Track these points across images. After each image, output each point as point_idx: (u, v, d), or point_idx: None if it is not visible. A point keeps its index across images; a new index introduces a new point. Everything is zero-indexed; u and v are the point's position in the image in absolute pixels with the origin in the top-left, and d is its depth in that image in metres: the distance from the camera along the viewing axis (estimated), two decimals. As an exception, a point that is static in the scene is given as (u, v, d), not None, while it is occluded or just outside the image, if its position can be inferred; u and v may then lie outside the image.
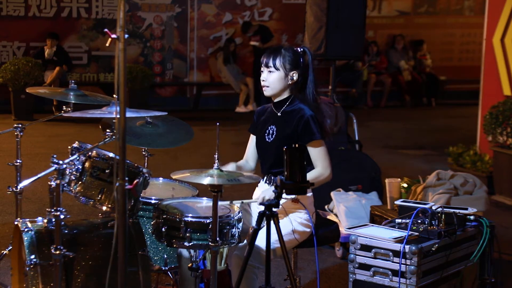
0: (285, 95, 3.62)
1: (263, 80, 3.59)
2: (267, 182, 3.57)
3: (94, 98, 3.94)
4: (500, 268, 4.20)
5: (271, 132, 3.62)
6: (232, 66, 13.28)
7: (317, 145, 3.50)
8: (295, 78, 3.57)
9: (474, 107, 8.04)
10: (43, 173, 3.12)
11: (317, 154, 3.50)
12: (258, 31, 13.32)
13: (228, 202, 3.47)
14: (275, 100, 3.65)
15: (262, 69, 3.60)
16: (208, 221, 3.15)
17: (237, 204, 3.46)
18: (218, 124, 3.28)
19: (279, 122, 3.61)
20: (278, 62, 3.54)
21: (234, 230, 3.24)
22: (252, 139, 3.79)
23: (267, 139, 3.63)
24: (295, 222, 3.52)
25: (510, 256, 4.85)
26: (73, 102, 3.92)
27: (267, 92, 3.61)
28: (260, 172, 3.70)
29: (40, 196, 6.31)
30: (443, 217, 3.58)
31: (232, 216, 3.25)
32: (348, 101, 13.55)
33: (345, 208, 5.08)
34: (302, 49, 3.62)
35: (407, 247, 3.36)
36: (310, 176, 3.39)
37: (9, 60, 11.73)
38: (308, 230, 3.55)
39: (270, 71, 3.56)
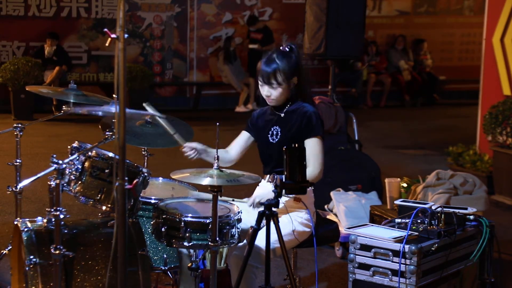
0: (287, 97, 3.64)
1: (267, 96, 3.58)
2: (270, 181, 3.58)
3: (94, 98, 3.94)
4: (500, 268, 4.20)
5: (275, 133, 3.62)
6: (233, 65, 13.26)
7: (315, 141, 3.51)
8: (295, 82, 3.60)
9: (474, 107, 8.04)
10: (43, 173, 3.12)
11: (312, 150, 3.50)
12: (262, 30, 13.31)
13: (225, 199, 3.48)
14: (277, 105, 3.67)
15: (261, 82, 3.58)
16: (207, 221, 3.15)
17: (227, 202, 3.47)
18: (218, 124, 3.28)
19: (283, 122, 3.62)
20: (280, 78, 3.53)
21: (233, 230, 3.25)
22: (243, 135, 3.79)
23: (271, 140, 3.63)
24: (295, 222, 3.52)
25: (510, 256, 4.85)
26: (72, 101, 3.92)
27: (272, 103, 3.62)
28: (260, 173, 3.69)
29: (39, 196, 6.30)
30: (442, 217, 3.58)
31: (231, 216, 3.25)
32: (348, 101, 13.54)
33: (345, 208, 5.08)
34: (289, 48, 3.61)
35: (406, 247, 3.36)
36: None
37: (9, 60, 11.73)
38: (308, 230, 3.56)
39: (274, 88, 3.55)
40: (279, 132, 3.61)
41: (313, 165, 3.50)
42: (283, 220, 3.45)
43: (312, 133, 3.52)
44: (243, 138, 3.79)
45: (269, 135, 3.65)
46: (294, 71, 3.57)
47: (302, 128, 3.53)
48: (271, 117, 3.69)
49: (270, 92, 3.57)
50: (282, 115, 3.63)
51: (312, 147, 3.50)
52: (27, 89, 4.11)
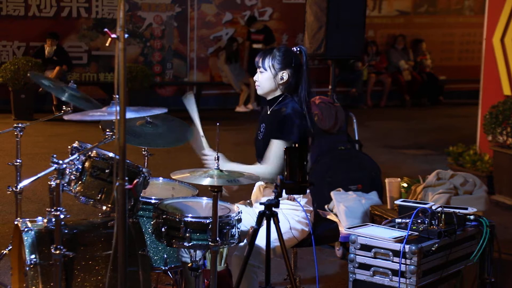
0: (277, 93, 3.66)
1: (255, 80, 3.69)
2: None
3: (87, 104, 3.91)
4: (500, 268, 4.20)
5: (262, 129, 3.68)
6: (234, 65, 13.28)
7: (280, 144, 3.50)
8: (285, 78, 3.60)
9: (474, 107, 8.04)
10: (43, 173, 3.12)
11: (272, 153, 3.51)
12: (262, 31, 13.32)
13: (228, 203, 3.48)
14: (268, 98, 3.71)
15: (257, 69, 3.68)
16: (208, 221, 3.15)
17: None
18: (218, 124, 3.28)
19: (268, 120, 3.66)
20: (266, 63, 3.61)
21: (234, 230, 3.25)
22: None
23: (259, 137, 3.69)
24: (292, 220, 3.53)
25: (510, 255, 4.85)
26: (66, 100, 3.91)
27: (258, 90, 3.71)
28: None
29: (40, 196, 6.31)
30: (443, 217, 3.58)
31: (232, 216, 3.25)
32: (348, 101, 13.55)
33: (345, 207, 5.08)
34: (298, 49, 3.66)
35: (407, 246, 3.36)
36: (252, 169, 3.46)
37: (9, 60, 11.73)
38: (307, 229, 3.56)
39: (260, 71, 3.64)
40: (264, 129, 3.67)
41: (272, 164, 3.51)
42: (280, 218, 3.45)
43: (279, 136, 3.52)
44: None
45: (258, 131, 3.71)
46: (286, 65, 3.59)
47: (273, 127, 3.55)
48: (263, 113, 3.76)
49: (257, 77, 3.67)
50: (269, 112, 3.68)
51: (275, 149, 3.50)
52: (28, 75, 4.08)
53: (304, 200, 3.58)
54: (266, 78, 3.62)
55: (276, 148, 3.52)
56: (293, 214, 3.55)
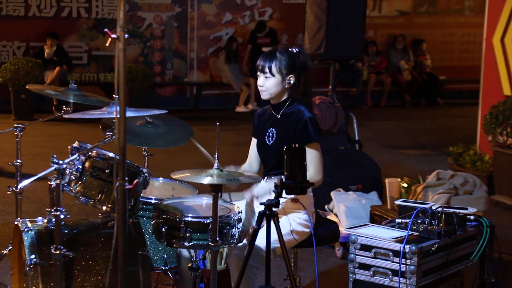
0: (284, 97, 3.62)
1: (260, 86, 3.59)
2: (268, 181, 3.59)
3: (94, 99, 3.94)
4: (500, 268, 4.20)
5: (271, 134, 3.61)
6: (234, 65, 13.29)
7: (313, 148, 3.50)
8: (292, 81, 3.57)
9: (474, 107, 8.04)
10: (43, 173, 3.12)
11: (311, 158, 3.47)
12: (268, 34, 13.35)
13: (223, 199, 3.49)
14: (274, 103, 3.65)
15: (258, 73, 3.59)
16: (208, 221, 3.15)
17: (224, 198, 3.49)
18: (218, 124, 3.28)
19: (278, 124, 3.61)
20: (274, 68, 3.53)
21: (234, 230, 3.25)
22: (254, 142, 3.78)
23: (267, 142, 3.63)
24: (294, 222, 3.52)
25: (510, 256, 4.85)
26: (72, 102, 3.92)
27: (264, 96, 3.61)
28: (259, 172, 3.70)
29: (40, 196, 6.31)
30: (443, 217, 3.58)
31: (232, 216, 3.25)
32: (348, 101, 13.55)
33: (345, 208, 5.08)
34: (297, 50, 3.61)
35: (407, 247, 3.36)
36: None
37: (9, 60, 11.73)
38: (307, 230, 3.55)
39: (266, 77, 3.55)
40: (274, 134, 3.60)
41: (314, 171, 3.49)
42: (281, 221, 3.45)
43: (309, 140, 3.50)
44: (255, 147, 3.77)
45: (265, 136, 3.65)
46: (292, 68, 3.55)
47: (297, 135, 3.52)
48: (268, 118, 3.68)
49: (262, 82, 3.57)
50: (279, 116, 3.62)
51: (312, 154, 3.48)
52: (27, 87, 4.12)
53: (307, 201, 3.57)
54: (275, 84, 3.55)
55: (311, 153, 3.45)
56: (295, 216, 3.54)
